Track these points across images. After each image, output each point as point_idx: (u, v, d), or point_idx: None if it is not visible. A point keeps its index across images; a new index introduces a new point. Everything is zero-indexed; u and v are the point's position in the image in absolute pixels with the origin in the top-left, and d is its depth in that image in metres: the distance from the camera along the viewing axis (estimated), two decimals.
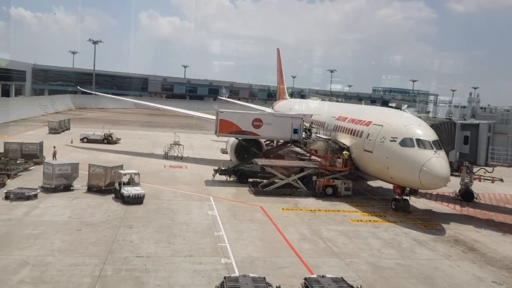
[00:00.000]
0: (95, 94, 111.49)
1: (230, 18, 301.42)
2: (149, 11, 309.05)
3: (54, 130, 64.95)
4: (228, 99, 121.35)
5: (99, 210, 28.36)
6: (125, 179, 31.80)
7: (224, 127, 40.99)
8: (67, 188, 32.50)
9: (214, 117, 42.98)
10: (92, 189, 32.69)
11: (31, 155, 41.16)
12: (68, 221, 25.73)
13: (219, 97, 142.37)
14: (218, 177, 39.34)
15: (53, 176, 32.01)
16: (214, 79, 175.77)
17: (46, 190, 31.85)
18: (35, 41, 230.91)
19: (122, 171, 32.47)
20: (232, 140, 44.88)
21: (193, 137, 70.66)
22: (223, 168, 39.68)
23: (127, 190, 30.34)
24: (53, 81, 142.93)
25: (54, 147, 43.30)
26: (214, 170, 39.47)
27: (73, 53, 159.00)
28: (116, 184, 31.62)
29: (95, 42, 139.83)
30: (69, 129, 70.07)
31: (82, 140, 58.25)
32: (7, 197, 29.39)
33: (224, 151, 52.80)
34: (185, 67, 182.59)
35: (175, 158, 50.04)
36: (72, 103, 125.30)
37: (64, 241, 22.49)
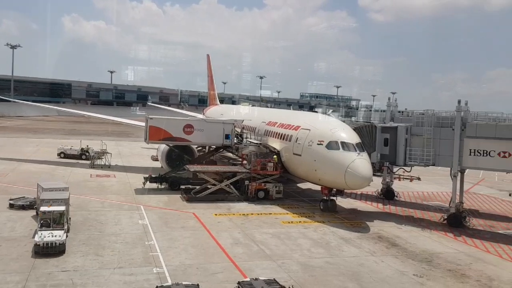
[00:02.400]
0: (14, 102, 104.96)
1: (158, 23, 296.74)
2: (72, 14, 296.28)
3: None
4: (158, 105, 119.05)
5: (20, 224, 26.67)
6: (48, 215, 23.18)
7: (154, 134, 40.21)
8: None
9: (143, 124, 42.03)
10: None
11: None
12: None
13: (148, 103, 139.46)
14: (149, 185, 38.50)
15: None
16: (143, 85, 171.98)
17: None
18: None
19: (42, 208, 23.45)
20: (163, 147, 44.15)
21: (122, 145, 68.57)
22: (153, 176, 38.88)
23: (41, 235, 22.07)
24: None
25: None
26: (144, 178, 38.59)
27: None
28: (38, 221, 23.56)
29: (13, 47, 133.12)
30: None
31: (59, 155, 52.46)
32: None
33: (155, 158, 51.75)
34: (111, 72, 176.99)
35: (102, 167, 48.22)
36: None
37: None
